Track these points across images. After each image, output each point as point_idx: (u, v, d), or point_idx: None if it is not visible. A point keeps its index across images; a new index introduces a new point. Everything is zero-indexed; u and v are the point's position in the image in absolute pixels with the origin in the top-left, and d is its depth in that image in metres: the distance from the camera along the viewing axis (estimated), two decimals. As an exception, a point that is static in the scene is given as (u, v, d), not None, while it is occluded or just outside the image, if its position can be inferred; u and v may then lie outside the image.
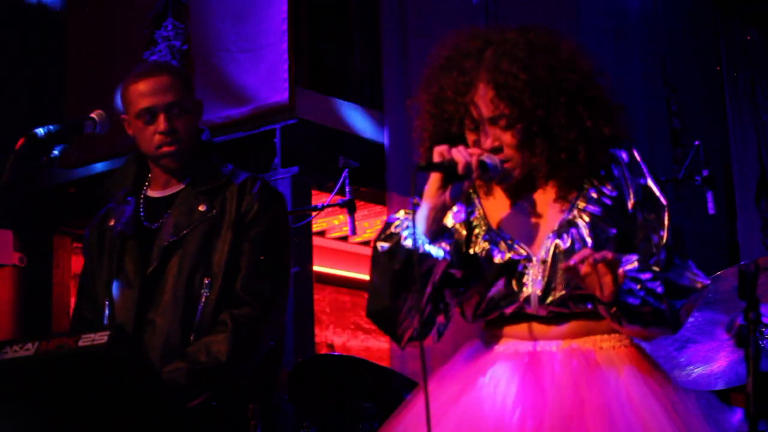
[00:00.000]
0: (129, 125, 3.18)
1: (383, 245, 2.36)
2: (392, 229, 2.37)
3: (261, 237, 3.06)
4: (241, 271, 3.03)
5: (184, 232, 3.07)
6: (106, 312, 3.10)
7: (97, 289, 3.17)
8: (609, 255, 2.22)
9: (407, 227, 2.33)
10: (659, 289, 2.32)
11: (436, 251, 2.34)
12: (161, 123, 3.08)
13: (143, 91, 3.10)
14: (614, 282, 2.24)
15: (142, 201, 3.20)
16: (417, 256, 2.31)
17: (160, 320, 3.02)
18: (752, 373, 1.98)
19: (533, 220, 2.45)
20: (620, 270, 2.24)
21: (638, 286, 2.31)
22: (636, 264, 2.35)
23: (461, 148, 2.33)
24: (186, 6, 6.39)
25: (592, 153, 2.41)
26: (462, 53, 2.45)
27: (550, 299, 2.38)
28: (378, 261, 2.38)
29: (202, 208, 3.08)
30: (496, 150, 2.40)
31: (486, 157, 2.35)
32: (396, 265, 2.33)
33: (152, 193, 3.21)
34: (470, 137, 2.44)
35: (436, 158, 2.33)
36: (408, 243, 2.31)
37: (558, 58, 2.42)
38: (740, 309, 2.12)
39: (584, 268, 2.21)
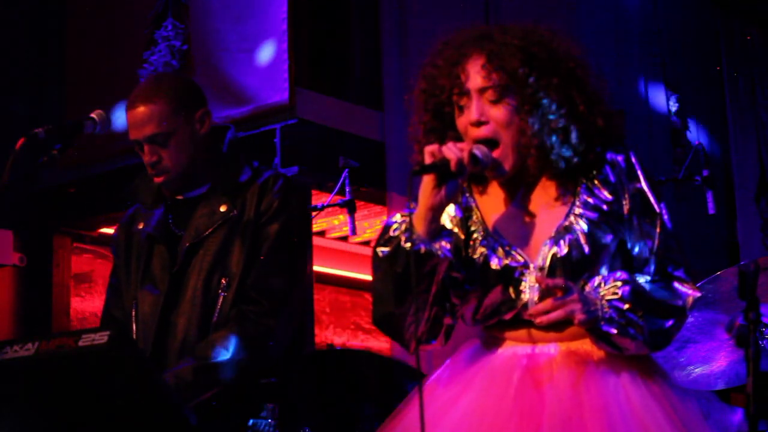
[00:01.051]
0: None
1: (383, 250, 2.35)
2: (391, 233, 2.36)
3: (277, 234, 3.07)
4: (255, 267, 3.03)
5: (206, 233, 3.07)
6: (133, 314, 3.13)
7: (123, 291, 3.20)
8: (560, 282, 2.26)
9: (406, 229, 2.32)
10: (641, 322, 2.32)
11: (438, 249, 2.33)
12: (145, 156, 3.13)
13: (128, 124, 3.15)
14: (582, 311, 2.26)
15: (169, 204, 3.21)
16: (418, 257, 2.30)
17: (180, 321, 3.05)
18: (752, 373, 1.98)
19: (530, 224, 2.44)
20: (576, 296, 2.26)
21: (618, 316, 2.30)
22: (618, 292, 2.33)
23: (450, 144, 2.32)
24: (186, 6, 6.38)
25: (585, 140, 2.39)
26: (460, 37, 2.45)
27: None
28: (379, 266, 2.37)
29: (223, 208, 3.10)
30: (481, 123, 2.38)
31: (475, 149, 2.35)
32: (398, 269, 2.32)
33: (179, 197, 3.22)
34: (458, 116, 2.43)
35: (428, 159, 2.32)
36: (408, 245, 2.30)
37: (556, 46, 2.42)
38: (740, 309, 2.12)
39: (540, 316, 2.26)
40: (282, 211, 3.09)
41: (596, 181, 2.43)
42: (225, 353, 2.93)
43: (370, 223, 7.55)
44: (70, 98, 6.84)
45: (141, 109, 3.10)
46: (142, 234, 3.19)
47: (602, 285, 2.34)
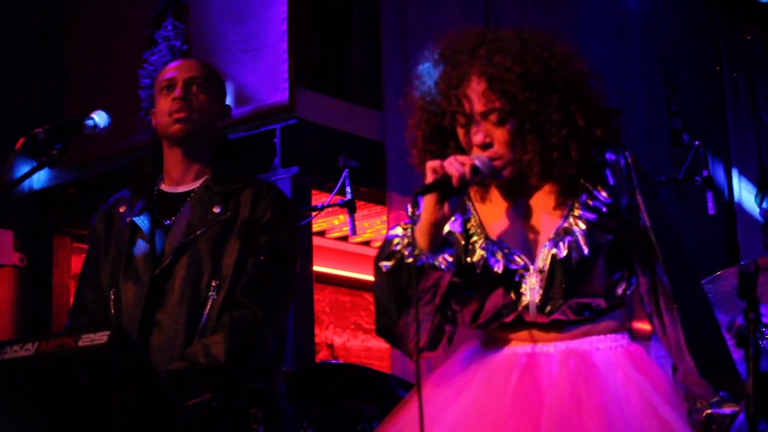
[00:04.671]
0: (154, 115, 3.20)
1: (386, 264, 2.35)
2: (393, 247, 2.36)
3: (270, 244, 3.05)
4: (246, 275, 3.02)
5: (197, 233, 3.05)
6: (112, 304, 3.08)
7: (101, 279, 3.14)
8: None
9: (408, 244, 2.32)
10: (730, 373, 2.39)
11: (441, 263, 2.33)
12: (176, 91, 3.12)
13: (169, 68, 3.19)
14: None
15: (155, 194, 3.18)
16: (421, 272, 2.30)
17: (166, 320, 3.00)
18: (752, 373, 1.98)
19: (529, 228, 2.44)
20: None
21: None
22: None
23: (452, 159, 2.31)
24: (186, 6, 6.39)
25: (585, 153, 2.40)
26: (456, 50, 2.44)
27: (548, 308, 2.38)
28: (382, 280, 2.37)
29: (216, 209, 3.07)
30: (486, 146, 2.39)
31: (476, 160, 2.34)
32: (402, 284, 2.32)
33: (166, 188, 3.19)
34: (461, 132, 2.43)
35: (430, 176, 2.31)
36: (411, 260, 2.30)
37: (552, 56, 2.42)
38: (740, 309, 2.12)
39: None
40: (276, 222, 3.08)
41: (596, 183, 2.44)
42: (218, 359, 2.91)
43: (370, 223, 7.57)
44: (70, 98, 6.85)
45: (194, 60, 3.23)
46: (123, 221, 3.14)
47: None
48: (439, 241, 2.35)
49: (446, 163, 2.30)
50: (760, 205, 8.27)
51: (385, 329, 2.41)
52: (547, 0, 7.00)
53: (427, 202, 2.32)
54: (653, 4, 8.12)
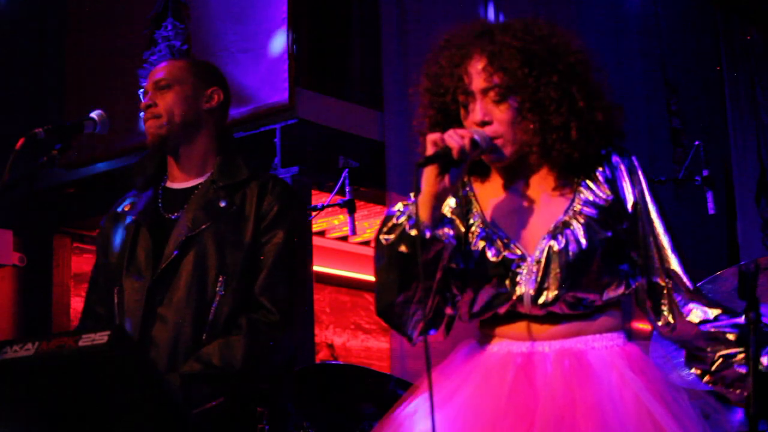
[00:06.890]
0: None
1: (387, 237, 2.36)
2: (394, 221, 2.36)
3: (280, 241, 3.04)
4: (260, 274, 2.99)
5: (203, 227, 3.03)
6: (116, 302, 3.06)
7: (109, 279, 3.12)
8: None
9: (410, 217, 2.33)
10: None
11: (442, 236, 2.34)
12: (144, 99, 3.14)
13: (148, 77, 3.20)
14: None
15: (160, 191, 3.17)
16: (423, 242, 2.31)
17: (172, 316, 2.96)
18: (752, 373, 1.98)
19: (529, 218, 2.45)
20: None
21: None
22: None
23: (452, 132, 2.33)
24: (186, 6, 6.40)
25: (585, 136, 2.40)
26: (462, 34, 2.47)
27: (542, 299, 2.38)
28: (383, 254, 2.37)
29: (221, 204, 3.06)
30: (485, 124, 2.40)
31: (475, 134, 2.36)
32: (403, 256, 2.32)
33: (171, 185, 3.17)
34: (462, 113, 2.45)
35: (430, 148, 2.33)
36: (413, 232, 2.31)
37: (555, 40, 2.43)
38: (740, 309, 2.12)
39: None
40: (284, 217, 3.05)
41: (597, 178, 2.44)
42: (234, 364, 2.88)
43: (370, 223, 7.56)
44: (70, 98, 6.85)
45: (167, 62, 3.21)
46: (128, 218, 3.14)
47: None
48: (440, 215, 2.36)
49: (446, 136, 2.32)
50: (759, 205, 8.27)
51: (384, 308, 2.41)
52: (547, 0, 7.00)
53: (428, 175, 2.34)
54: (653, 4, 8.12)
